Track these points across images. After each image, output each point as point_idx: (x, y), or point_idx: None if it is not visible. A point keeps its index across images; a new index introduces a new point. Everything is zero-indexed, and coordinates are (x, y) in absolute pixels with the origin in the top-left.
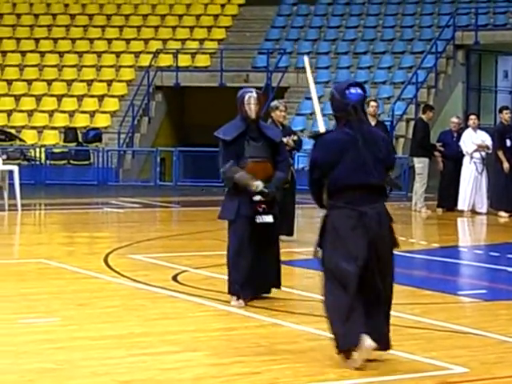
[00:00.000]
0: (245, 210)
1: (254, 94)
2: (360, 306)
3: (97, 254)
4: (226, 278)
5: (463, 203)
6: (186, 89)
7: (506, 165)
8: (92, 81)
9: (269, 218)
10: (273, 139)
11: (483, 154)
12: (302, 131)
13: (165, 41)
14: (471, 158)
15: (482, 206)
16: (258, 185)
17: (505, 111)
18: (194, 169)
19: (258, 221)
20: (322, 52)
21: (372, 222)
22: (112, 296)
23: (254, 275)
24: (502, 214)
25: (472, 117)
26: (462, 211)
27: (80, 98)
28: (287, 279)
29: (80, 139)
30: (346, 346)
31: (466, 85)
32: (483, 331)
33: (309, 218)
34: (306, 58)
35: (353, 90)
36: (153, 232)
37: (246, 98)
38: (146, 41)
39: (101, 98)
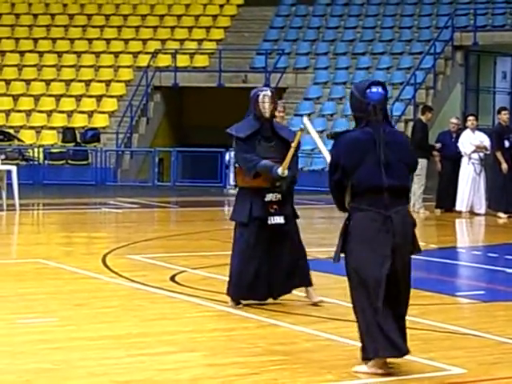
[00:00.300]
0: (257, 212)
1: (269, 93)
2: (390, 313)
3: (95, 255)
4: (227, 278)
5: (461, 204)
6: (185, 89)
7: (504, 166)
8: (90, 81)
9: (280, 219)
10: (287, 139)
11: (481, 154)
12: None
13: (163, 41)
14: (469, 158)
15: (481, 207)
16: (284, 172)
17: (503, 112)
18: (193, 169)
19: (269, 222)
20: (320, 53)
21: (397, 227)
22: (110, 296)
23: (263, 279)
24: (501, 214)
25: (470, 118)
26: (460, 212)
27: (78, 98)
28: None
29: (78, 139)
30: (387, 354)
31: (465, 86)
32: (481, 332)
33: (308, 219)
34: (305, 119)
35: (374, 89)
36: (151, 232)
37: (261, 96)
38: (145, 41)
39: (99, 98)
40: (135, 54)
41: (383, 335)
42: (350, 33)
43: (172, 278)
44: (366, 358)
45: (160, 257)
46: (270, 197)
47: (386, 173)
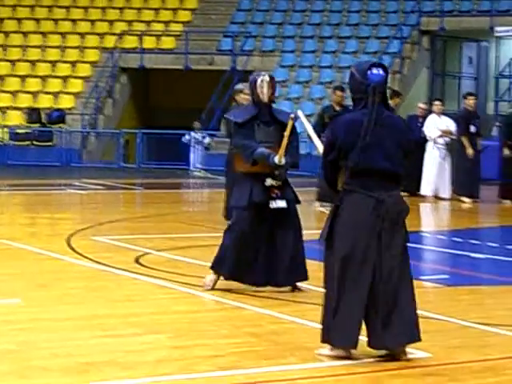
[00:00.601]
0: (257, 197)
1: (267, 78)
2: (372, 303)
3: (59, 236)
4: (217, 255)
5: (426, 188)
6: (151, 71)
7: (469, 151)
8: (56, 61)
9: (282, 203)
10: (286, 123)
11: (447, 139)
12: None
13: (130, 22)
14: (435, 143)
15: (445, 192)
16: (281, 160)
17: (469, 97)
18: (158, 151)
19: (271, 206)
20: (287, 36)
21: (389, 211)
22: (74, 278)
23: (262, 264)
24: (465, 199)
25: (436, 102)
26: (425, 196)
27: (44, 78)
28: None
29: (43, 120)
30: (349, 344)
31: (431, 70)
32: (445, 316)
33: None
34: (299, 111)
35: (375, 71)
36: (116, 214)
37: (259, 81)
38: (111, 22)
39: (65, 78)
40: (102, 35)
41: (355, 325)
42: (317, 16)
43: (137, 260)
44: (325, 341)
45: (125, 238)
46: (270, 181)
47: (381, 156)
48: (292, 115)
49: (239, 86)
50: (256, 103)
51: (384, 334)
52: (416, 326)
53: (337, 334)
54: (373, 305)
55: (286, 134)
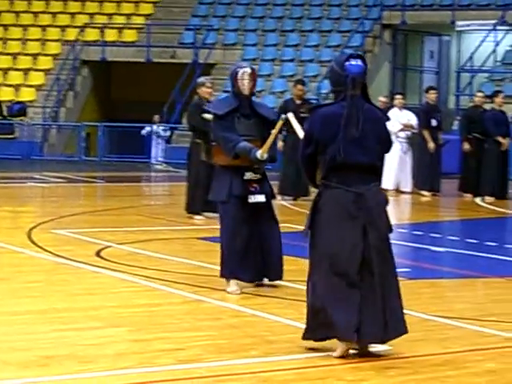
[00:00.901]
0: (237, 190)
1: (248, 70)
2: (357, 294)
3: (20, 229)
4: (220, 261)
5: (388, 182)
6: (113, 64)
7: (430, 145)
8: (17, 54)
9: (261, 198)
10: (266, 117)
11: (408, 133)
12: None
13: (92, 15)
14: (396, 137)
15: (407, 185)
16: (263, 155)
17: (431, 91)
18: (120, 144)
19: (250, 200)
20: (249, 29)
21: (368, 204)
22: (35, 271)
23: (252, 258)
24: (425, 193)
25: (398, 96)
26: (386, 190)
27: (5, 71)
28: (210, 255)
29: (4, 113)
30: (347, 337)
31: (393, 64)
32: (406, 309)
33: None
34: (290, 114)
35: (353, 62)
36: (77, 207)
37: (240, 73)
38: (73, 15)
39: (26, 71)
40: (63, 28)
41: (346, 317)
42: (279, 10)
43: (98, 253)
44: (306, 338)
45: (86, 232)
46: (249, 175)
47: (360, 150)
48: (284, 116)
49: (201, 80)
50: (236, 95)
51: (375, 327)
52: (403, 318)
53: (339, 328)
54: (364, 298)
55: (274, 132)
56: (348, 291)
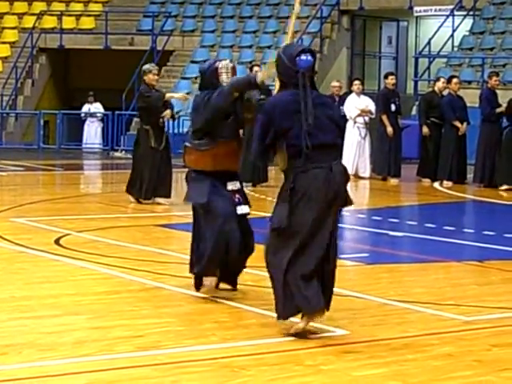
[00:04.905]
0: (220, 192)
1: (230, 64)
2: (322, 269)
3: None
4: (190, 255)
5: (347, 167)
6: (71, 51)
7: (389, 129)
8: None
9: (246, 209)
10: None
11: (366, 118)
12: (187, 94)
13: (49, 2)
14: (354, 122)
15: (365, 171)
16: (265, 77)
17: (390, 77)
18: (78, 132)
19: (238, 212)
20: (207, 16)
21: (337, 177)
22: None
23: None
24: (392, 179)
25: (356, 82)
26: None
27: None
28: (169, 242)
29: None
30: (311, 311)
31: (351, 50)
32: (365, 294)
33: None
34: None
35: (303, 57)
36: (35, 195)
37: (220, 66)
38: (30, 2)
39: None
40: (20, 15)
41: (311, 293)
42: None
43: (56, 241)
44: (284, 318)
45: (45, 220)
46: (231, 186)
47: (320, 131)
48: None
49: (147, 67)
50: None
51: (326, 301)
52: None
53: (306, 302)
54: (320, 270)
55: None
56: (317, 266)
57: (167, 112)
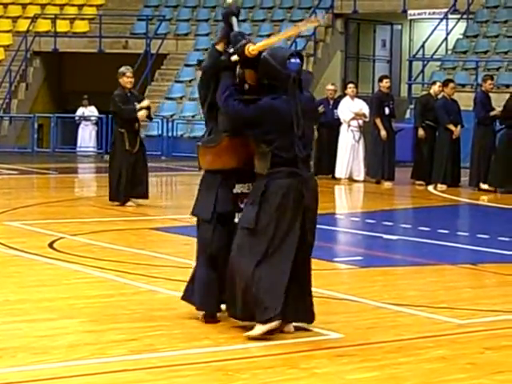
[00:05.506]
0: (223, 206)
1: None
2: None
3: None
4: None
5: (341, 171)
6: (65, 55)
7: (383, 132)
8: None
9: None
10: None
11: (360, 122)
12: (181, 98)
13: (43, 6)
14: (348, 126)
15: (359, 174)
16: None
17: (385, 80)
18: (72, 135)
19: (236, 220)
20: (201, 19)
21: (310, 189)
22: None
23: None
24: (385, 182)
25: (350, 85)
26: (339, 179)
27: None
28: (163, 246)
29: None
30: (274, 320)
31: (345, 53)
32: (359, 297)
33: (186, 185)
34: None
35: (293, 60)
36: (30, 199)
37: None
38: (24, 5)
39: None
40: (14, 19)
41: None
42: None
43: (51, 245)
44: (264, 321)
45: (39, 223)
46: (239, 188)
47: (302, 143)
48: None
49: (122, 69)
50: None
51: (298, 308)
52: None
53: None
54: (294, 278)
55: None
56: (288, 273)
57: (141, 114)
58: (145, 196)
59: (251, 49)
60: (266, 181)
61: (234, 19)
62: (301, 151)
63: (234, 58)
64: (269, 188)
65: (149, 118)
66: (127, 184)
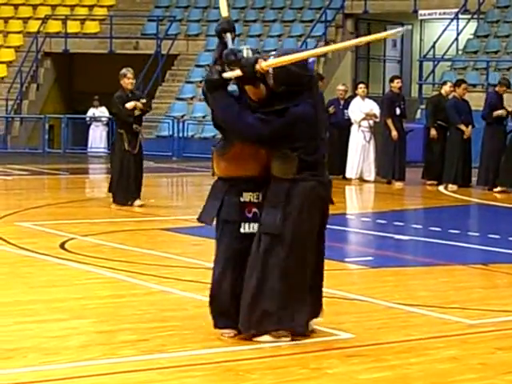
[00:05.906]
0: (227, 214)
1: None
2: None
3: None
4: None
5: (351, 171)
6: (75, 55)
7: (394, 133)
8: None
9: (254, 228)
10: None
11: (371, 122)
12: (191, 98)
13: (54, 7)
14: (359, 126)
15: (370, 174)
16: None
17: (396, 80)
18: (83, 136)
19: (242, 230)
20: (212, 20)
21: (328, 192)
22: None
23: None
24: (396, 183)
25: (361, 85)
26: (349, 179)
27: None
28: (174, 246)
29: None
30: (303, 330)
31: (355, 54)
32: (370, 297)
33: (197, 186)
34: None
35: (310, 60)
36: (41, 199)
37: None
38: (35, 6)
39: None
40: (25, 20)
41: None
42: (242, 0)
43: (62, 245)
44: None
45: (50, 224)
46: (247, 196)
47: (323, 145)
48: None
49: (123, 71)
50: None
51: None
52: None
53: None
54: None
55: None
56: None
57: (130, 104)
58: (137, 197)
59: (264, 65)
60: (288, 184)
61: (228, 36)
62: (323, 154)
63: (230, 74)
64: (292, 191)
65: (145, 108)
66: (127, 185)
